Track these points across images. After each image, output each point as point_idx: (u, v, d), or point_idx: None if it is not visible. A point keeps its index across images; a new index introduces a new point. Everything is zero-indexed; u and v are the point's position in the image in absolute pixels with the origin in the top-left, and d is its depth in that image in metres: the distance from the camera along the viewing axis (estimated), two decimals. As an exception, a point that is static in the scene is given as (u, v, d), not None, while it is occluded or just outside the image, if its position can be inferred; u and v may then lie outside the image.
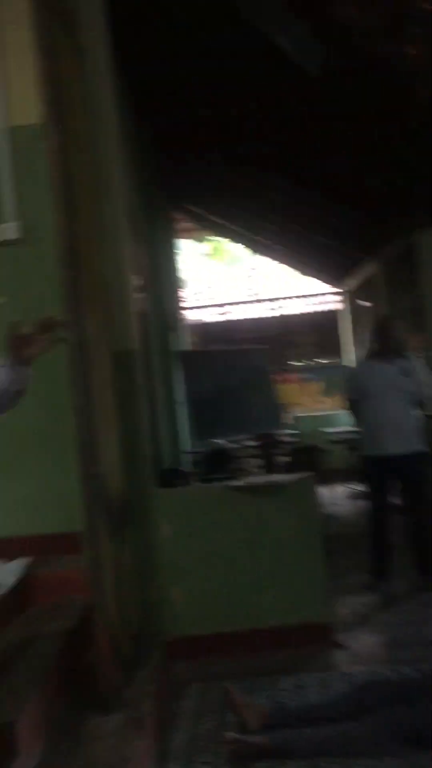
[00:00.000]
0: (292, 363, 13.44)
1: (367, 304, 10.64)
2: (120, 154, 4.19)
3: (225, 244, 13.69)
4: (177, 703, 3.53)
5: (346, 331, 12.39)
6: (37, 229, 4.05)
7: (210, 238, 13.61)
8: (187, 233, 12.69)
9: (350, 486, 8.34)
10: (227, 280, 13.89)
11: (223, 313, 13.61)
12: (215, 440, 7.24)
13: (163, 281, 6.79)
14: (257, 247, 12.36)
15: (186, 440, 7.97)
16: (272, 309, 13.61)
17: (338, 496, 8.38)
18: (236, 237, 12.29)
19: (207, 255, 14.20)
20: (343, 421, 9.23)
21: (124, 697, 3.03)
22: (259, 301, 13.60)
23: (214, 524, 4.04)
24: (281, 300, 13.51)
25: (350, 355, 11.95)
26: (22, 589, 3.67)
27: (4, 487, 4.04)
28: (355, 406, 5.33)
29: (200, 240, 13.74)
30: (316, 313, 13.27)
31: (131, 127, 5.25)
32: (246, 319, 13.56)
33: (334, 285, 12.40)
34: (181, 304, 11.68)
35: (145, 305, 5.34)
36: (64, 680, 3.09)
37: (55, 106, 3.08)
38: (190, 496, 4.25)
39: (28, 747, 2.53)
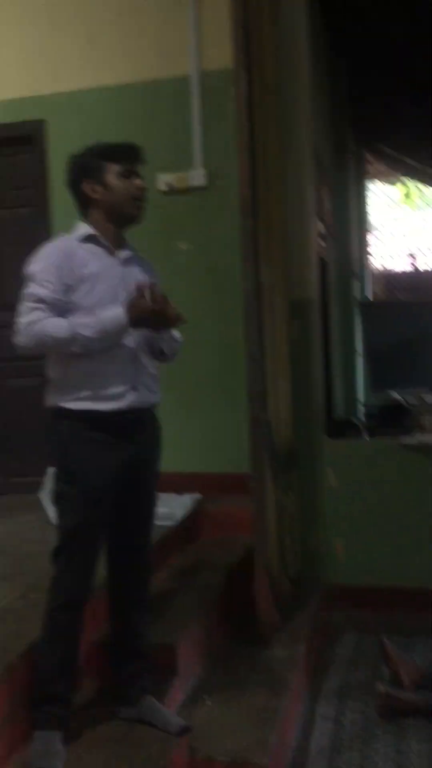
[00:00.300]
0: None
1: None
2: (309, 99, 4.10)
3: (418, 188, 13.04)
4: (331, 649, 3.59)
5: None
6: (222, 177, 4.11)
7: (402, 181, 13.01)
8: (377, 176, 12.21)
9: None
10: (418, 227, 13.27)
11: (412, 263, 13.07)
12: (392, 394, 7.06)
13: (348, 227, 6.62)
14: (453, 192, 11.67)
15: (362, 392, 7.86)
16: (466, 259, 12.87)
17: None
18: (430, 181, 11.66)
19: (398, 200, 13.62)
20: None
21: (280, 635, 3.15)
22: (452, 250, 12.90)
23: (382, 479, 3.98)
24: None
25: None
26: (191, 522, 3.88)
27: (180, 425, 4.22)
28: None
29: (392, 183, 13.19)
30: None
31: (324, 67, 5.09)
32: (436, 270, 12.93)
33: None
34: (367, 252, 11.36)
35: (327, 252, 5.25)
36: (224, 612, 3.26)
37: (245, 51, 3.08)
38: (359, 449, 4.21)
39: (186, 669, 2.71)
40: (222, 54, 3.83)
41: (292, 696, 2.80)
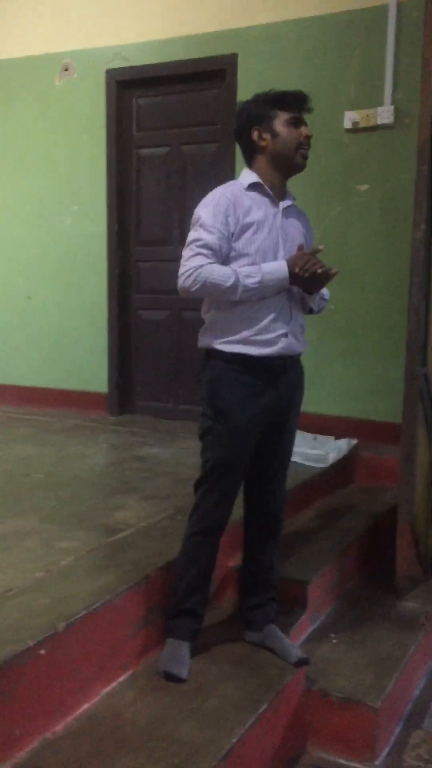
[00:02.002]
0: None
1: None
2: None
3: None
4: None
5: None
6: (410, 115, 3.92)
7: None
8: None
9: None
10: None
11: None
12: None
13: None
14: None
15: None
16: None
17: None
18: None
19: None
20: None
21: (418, 590, 3.14)
22: None
23: None
24: None
25: None
26: (344, 467, 3.92)
27: (341, 371, 4.24)
28: None
29: None
30: None
31: None
32: None
33: None
34: None
35: None
36: (363, 558, 3.30)
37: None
38: None
39: (316, 606, 2.81)
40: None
41: (421, 649, 2.81)
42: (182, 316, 4.80)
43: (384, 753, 2.40)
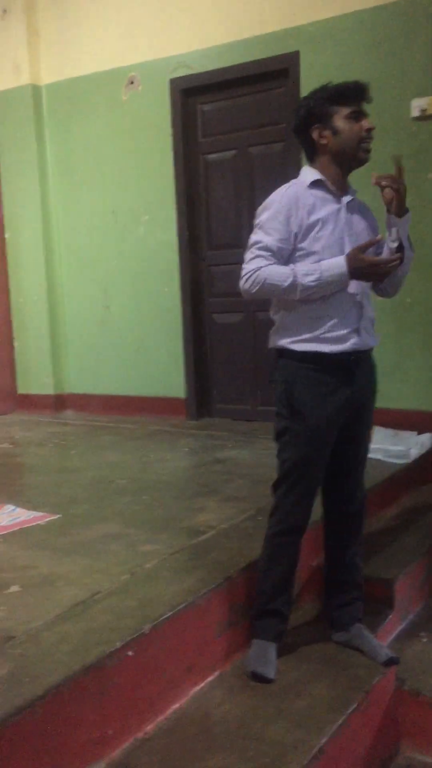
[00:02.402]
0: None
1: None
2: None
3: None
4: None
5: None
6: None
7: None
8: None
9: None
10: None
11: None
12: None
13: None
14: None
15: None
16: None
17: None
18: None
19: None
20: None
21: None
22: None
23: None
24: None
25: None
26: (427, 463, 3.83)
27: (422, 363, 4.14)
28: None
29: None
30: None
31: None
32: None
33: None
34: None
35: None
36: (452, 555, 3.22)
37: None
38: None
39: (403, 604, 2.77)
40: None
41: None
42: (256, 318, 4.80)
43: None
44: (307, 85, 4.31)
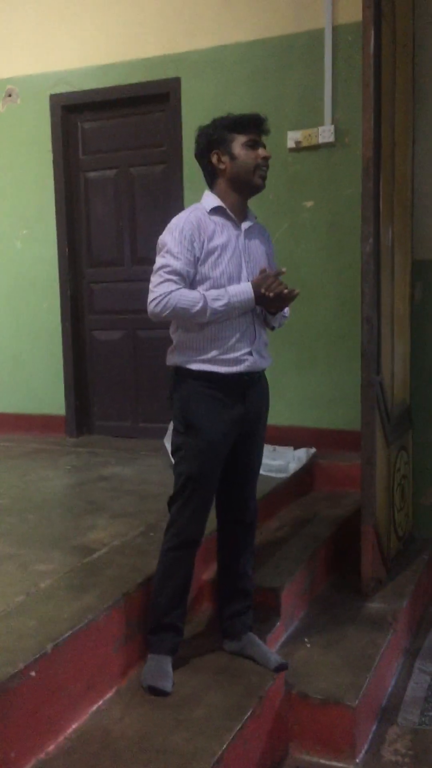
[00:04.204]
0: None
1: None
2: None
3: None
4: (435, 607, 3.66)
5: None
6: (350, 134, 4.09)
7: None
8: None
9: None
10: None
11: None
12: None
13: None
14: None
15: None
16: None
17: None
18: None
19: None
20: None
21: (384, 590, 3.25)
22: None
23: None
24: None
25: None
26: (304, 476, 4.02)
27: (297, 382, 4.35)
28: None
29: None
30: None
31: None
32: None
33: None
34: None
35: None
36: (330, 563, 3.40)
37: (375, 5, 3.01)
38: None
39: (289, 612, 2.89)
40: (356, 7, 3.78)
41: (391, 647, 2.92)
42: (137, 335, 4.84)
43: (363, 750, 2.49)
44: (188, 109, 4.47)
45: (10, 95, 5.00)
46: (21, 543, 2.84)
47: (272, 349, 4.16)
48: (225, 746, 2.01)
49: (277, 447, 4.19)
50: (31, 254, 5.04)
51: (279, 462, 3.92)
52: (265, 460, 3.85)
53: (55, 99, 4.86)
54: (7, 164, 5.05)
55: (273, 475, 3.80)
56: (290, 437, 4.30)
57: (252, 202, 2.44)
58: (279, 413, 4.30)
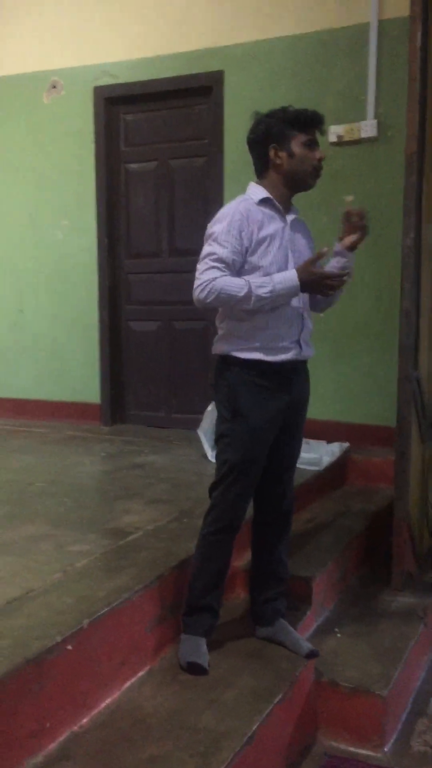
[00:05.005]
0: None
1: None
2: None
3: None
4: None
5: None
6: (393, 128, 4.08)
7: None
8: None
9: None
10: None
11: None
12: None
13: None
14: None
15: None
16: None
17: None
18: None
19: None
20: None
21: (415, 584, 3.25)
22: None
23: None
24: None
25: None
26: (338, 470, 4.03)
27: (334, 376, 4.35)
28: None
29: None
30: None
31: None
32: None
33: None
34: None
35: None
36: (361, 555, 3.41)
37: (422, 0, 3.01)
38: None
39: (321, 601, 2.91)
40: (401, 2, 3.79)
41: (421, 641, 2.92)
42: (173, 327, 4.88)
43: (392, 740, 2.50)
44: (231, 103, 4.49)
45: (54, 87, 5.07)
46: (57, 524, 2.89)
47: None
48: (255, 727, 2.04)
49: (311, 440, 4.20)
50: (71, 244, 5.11)
51: (312, 455, 3.93)
52: (298, 453, 3.90)
53: (98, 91, 4.92)
54: (51, 155, 5.12)
55: (306, 467, 3.81)
56: (324, 431, 4.30)
57: (294, 196, 2.45)
58: (313, 406, 4.24)
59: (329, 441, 4.21)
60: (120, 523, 2.91)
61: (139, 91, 4.81)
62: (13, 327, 5.35)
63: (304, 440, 4.12)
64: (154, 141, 4.89)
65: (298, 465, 3.78)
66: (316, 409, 4.33)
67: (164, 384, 4.98)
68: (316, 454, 3.96)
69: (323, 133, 2.38)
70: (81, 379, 5.15)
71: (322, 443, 4.19)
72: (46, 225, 5.18)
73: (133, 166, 4.98)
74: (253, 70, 4.46)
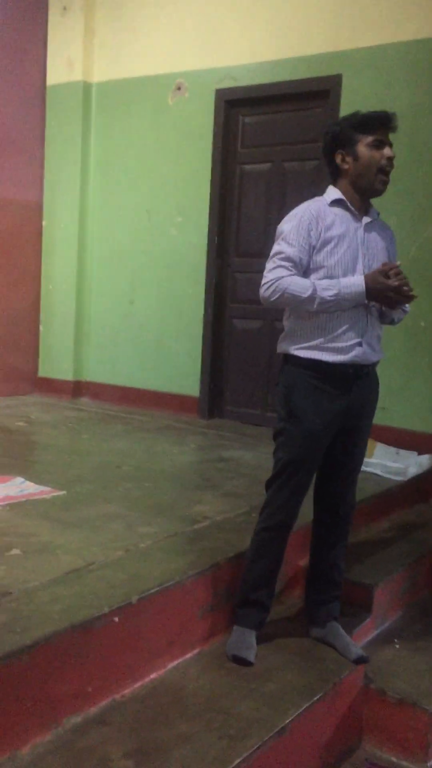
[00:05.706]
0: None
1: None
2: None
3: None
4: None
5: None
6: None
7: None
8: None
9: None
10: None
11: None
12: None
13: None
14: None
15: None
16: None
17: None
18: None
19: None
20: None
21: None
22: None
23: None
24: None
25: None
26: (424, 482, 3.95)
27: (428, 387, 4.25)
28: None
29: None
30: None
31: None
32: None
33: None
34: None
35: None
36: (435, 571, 3.34)
37: None
38: None
39: (381, 611, 2.89)
40: None
41: None
42: (274, 326, 4.94)
43: (437, 757, 2.46)
44: (347, 107, 4.46)
45: (179, 88, 5.25)
46: (132, 506, 3.04)
47: (405, 352, 4.13)
48: (288, 721, 2.08)
49: (401, 450, 4.14)
50: (183, 241, 5.28)
51: (398, 465, 3.88)
52: (385, 462, 3.87)
53: (220, 93, 5.05)
54: (171, 154, 5.31)
55: (390, 476, 3.77)
56: (418, 442, 4.23)
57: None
58: (406, 417, 4.27)
59: (420, 453, 4.13)
60: (190, 512, 3.02)
61: (258, 93, 4.90)
62: (124, 317, 5.60)
63: (394, 450, 4.12)
64: (269, 143, 4.97)
65: (381, 473, 3.79)
66: (410, 420, 4.30)
67: (262, 382, 5.05)
68: (402, 465, 3.91)
69: (394, 131, 2.35)
70: (183, 372, 5.31)
71: (413, 454, 4.12)
72: (161, 221, 5.38)
73: (248, 167, 5.08)
74: (370, 74, 4.43)
